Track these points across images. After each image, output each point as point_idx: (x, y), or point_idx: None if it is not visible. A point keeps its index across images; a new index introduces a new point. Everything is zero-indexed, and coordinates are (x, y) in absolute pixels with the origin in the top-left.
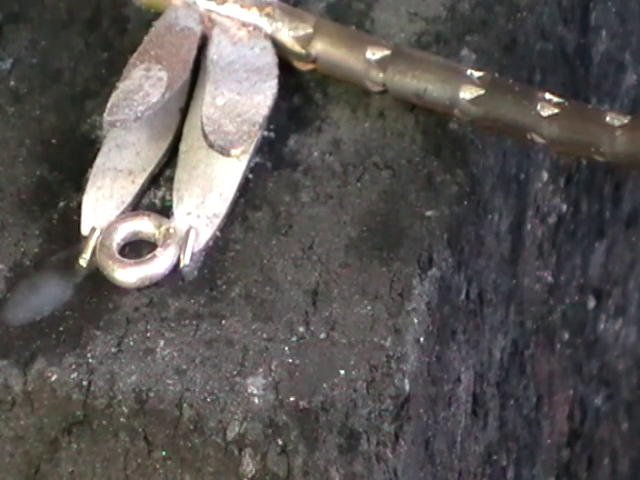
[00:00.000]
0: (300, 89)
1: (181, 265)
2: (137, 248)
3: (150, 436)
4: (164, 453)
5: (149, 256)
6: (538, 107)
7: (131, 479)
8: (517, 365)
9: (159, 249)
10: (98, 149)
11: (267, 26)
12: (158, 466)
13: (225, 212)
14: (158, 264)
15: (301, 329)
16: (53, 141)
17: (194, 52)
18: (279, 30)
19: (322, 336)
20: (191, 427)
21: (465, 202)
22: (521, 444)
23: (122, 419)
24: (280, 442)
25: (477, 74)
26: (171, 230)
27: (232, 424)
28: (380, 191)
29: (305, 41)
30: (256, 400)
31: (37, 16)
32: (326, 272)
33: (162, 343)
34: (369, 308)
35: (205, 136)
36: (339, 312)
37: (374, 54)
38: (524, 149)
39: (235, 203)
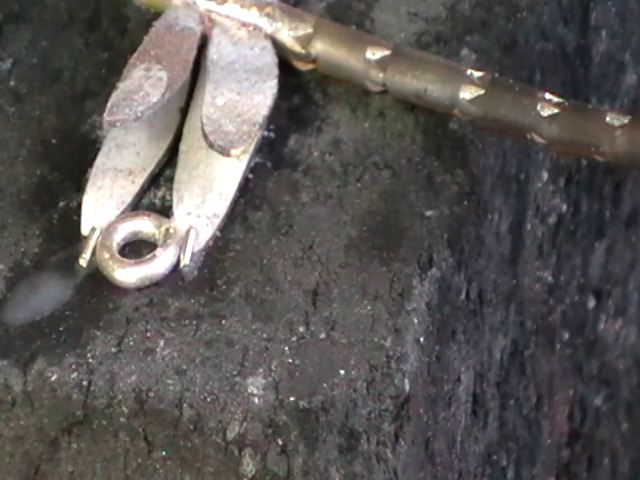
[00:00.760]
0: (300, 89)
1: (181, 265)
2: (137, 248)
3: (150, 436)
4: (164, 453)
5: (149, 256)
6: (538, 107)
7: (131, 479)
8: (517, 365)
9: (159, 249)
10: (98, 149)
11: (267, 26)
12: (158, 466)
13: (225, 212)
14: (158, 264)
15: (301, 329)
16: (53, 141)
17: (194, 52)
18: (279, 30)
19: (322, 336)
20: (191, 427)
21: (465, 202)
22: (521, 444)
23: (122, 419)
24: (280, 442)
25: (477, 74)
26: (171, 230)
27: (232, 424)
28: (380, 191)
29: (305, 41)
30: (256, 400)
31: (37, 16)
32: (326, 272)
33: (162, 343)
34: (369, 308)
35: (205, 136)
36: (339, 312)
37: (374, 54)
38: (524, 149)
39: (235, 203)
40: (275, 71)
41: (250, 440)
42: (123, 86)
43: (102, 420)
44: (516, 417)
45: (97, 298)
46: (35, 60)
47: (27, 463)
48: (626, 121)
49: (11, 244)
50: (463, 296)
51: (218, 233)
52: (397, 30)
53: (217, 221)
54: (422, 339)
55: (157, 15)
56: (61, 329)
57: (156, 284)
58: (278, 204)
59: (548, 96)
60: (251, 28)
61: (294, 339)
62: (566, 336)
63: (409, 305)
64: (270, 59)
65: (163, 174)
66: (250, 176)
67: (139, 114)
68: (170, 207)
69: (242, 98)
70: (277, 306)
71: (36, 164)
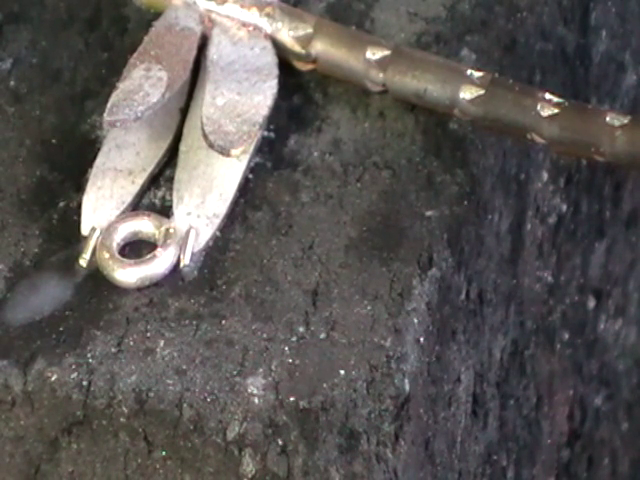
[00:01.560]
0: (300, 89)
1: (181, 265)
2: (137, 248)
3: (150, 436)
4: (164, 453)
5: (149, 256)
6: (538, 107)
7: (131, 479)
8: (517, 365)
9: (159, 249)
10: (98, 149)
11: (267, 26)
12: (158, 466)
13: (225, 212)
14: (158, 264)
15: (301, 329)
16: (53, 141)
17: (194, 52)
18: (279, 30)
19: (322, 336)
20: (191, 427)
21: (465, 202)
22: (521, 444)
23: (122, 419)
24: (280, 442)
25: (477, 74)
26: (171, 230)
27: (232, 424)
28: (380, 191)
29: (305, 41)
30: (256, 400)
31: (37, 16)
32: (326, 272)
33: (162, 343)
34: (369, 308)
35: (205, 136)
36: (339, 312)
37: (374, 54)
38: (524, 149)
39: (235, 203)
40: (275, 71)
41: (250, 440)
42: (123, 86)
43: (102, 420)
44: (516, 417)
45: (97, 298)
46: (35, 60)
47: (27, 463)
48: (626, 121)
49: (11, 244)
50: (463, 296)
51: (218, 233)
52: (397, 30)
53: (217, 221)
54: (422, 339)
55: (157, 15)
56: (61, 329)
57: (156, 284)
58: (278, 204)
59: (548, 96)
60: (251, 28)
61: (294, 339)
62: (566, 336)
63: (409, 305)
64: (270, 59)
65: (163, 174)
66: (250, 176)
67: (139, 114)
68: (170, 207)
69: (242, 98)
70: (277, 306)
71: (36, 164)
